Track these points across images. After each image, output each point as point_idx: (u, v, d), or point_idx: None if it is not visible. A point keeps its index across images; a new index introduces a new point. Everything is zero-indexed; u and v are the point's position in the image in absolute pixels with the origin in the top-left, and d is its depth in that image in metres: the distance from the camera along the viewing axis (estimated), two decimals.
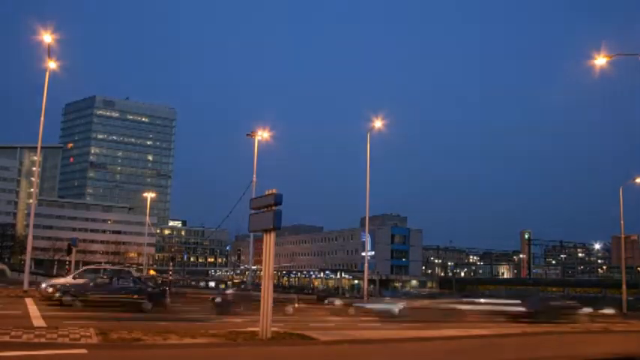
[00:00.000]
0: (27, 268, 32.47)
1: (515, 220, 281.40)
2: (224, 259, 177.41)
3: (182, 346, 11.35)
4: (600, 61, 25.51)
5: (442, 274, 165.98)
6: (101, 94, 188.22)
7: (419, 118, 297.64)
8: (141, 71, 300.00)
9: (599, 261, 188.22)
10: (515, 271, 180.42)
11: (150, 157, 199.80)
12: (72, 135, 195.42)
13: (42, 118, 32.13)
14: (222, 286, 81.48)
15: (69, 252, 42.94)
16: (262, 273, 12.95)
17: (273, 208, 12.49)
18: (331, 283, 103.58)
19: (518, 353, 14.05)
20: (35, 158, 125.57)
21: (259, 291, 22.06)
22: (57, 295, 23.39)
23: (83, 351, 10.04)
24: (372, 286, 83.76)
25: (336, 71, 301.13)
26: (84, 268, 30.60)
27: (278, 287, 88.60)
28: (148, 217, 78.53)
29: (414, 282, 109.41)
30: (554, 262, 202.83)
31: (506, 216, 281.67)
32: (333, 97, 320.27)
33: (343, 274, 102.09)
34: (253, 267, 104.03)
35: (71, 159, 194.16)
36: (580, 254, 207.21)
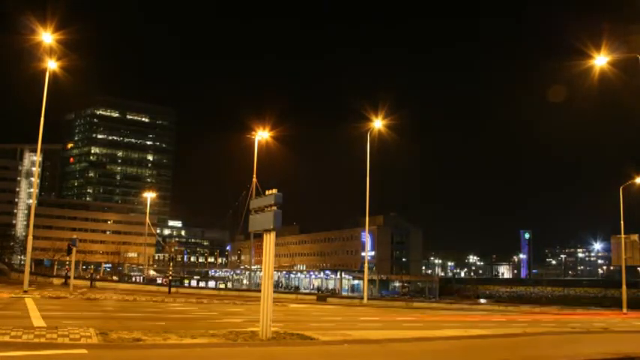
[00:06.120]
0: (27, 269, 32.56)
1: (515, 220, 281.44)
2: (224, 260, 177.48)
3: (182, 346, 11.35)
4: (600, 60, 25.56)
5: (442, 274, 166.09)
6: (101, 94, 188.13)
7: (418, 117, 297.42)
8: (141, 71, 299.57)
9: (600, 261, 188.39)
10: (515, 271, 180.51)
11: (150, 157, 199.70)
12: (72, 135, 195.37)
13: (42, 118, 32.17)
14: (222, 285, 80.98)
15: (69, 252, 42.95)
16: (262, 273, 12.96)
17: (273, 208, 12.50)
18: (331, 283, 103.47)
19: (518, 353, 14.06)
20: (35, 158, 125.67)
21: None
22: None
23: (83, 351, 10.04)
24: (371, 285, 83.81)
25: (337, 68, 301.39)
26: None
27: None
28: (147, 217, 78.56)
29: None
30: (554, 262, 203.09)
31: (506, 216, 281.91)
32: (335, 95, 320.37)
33: (343, 274, 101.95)
34: (254, 267, 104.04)
35: (71, 159, 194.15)
36: (580, 254, 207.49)
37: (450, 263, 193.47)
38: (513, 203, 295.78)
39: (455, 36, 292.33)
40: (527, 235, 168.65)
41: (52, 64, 32.60)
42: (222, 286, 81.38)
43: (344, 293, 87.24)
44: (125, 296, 33.24)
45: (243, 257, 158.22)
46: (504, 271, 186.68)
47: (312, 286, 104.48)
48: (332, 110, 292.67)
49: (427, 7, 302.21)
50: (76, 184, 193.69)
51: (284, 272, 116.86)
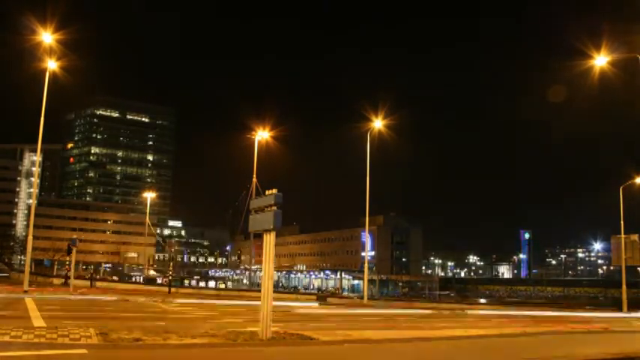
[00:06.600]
0: (27, 269, 32.56)
1: (515, 220, 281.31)
2: (224, 260, 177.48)
3: (182, 346, 11.34)
4: (600, 60, 25.56)
5: (442, 274, 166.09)
6: (101, 94, 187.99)
7: (418, 117, 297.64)
8: (141, 71, 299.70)
9: (600, 261, 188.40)
10: (515, 271, 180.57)
11: (150, 157, 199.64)
12: (72, 135, 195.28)
13: (42, 118, 32.17)
14: (222, 285, 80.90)
15: (69, 252, 42.93)
16: (262, 273, 12.95)
17: (273, 208, 12.49)
18: (331, 283, 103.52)
19: (518, 353, 14.05)
20: (35, 158, 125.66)
21: None
22: None
23: (83, 351, 10.03)
24: (371, 286, 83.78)
25: (337, 68, 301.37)
26: None
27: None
28: (147, 217, 78.54)
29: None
30: (554, 262, 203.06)
31: (506, 216, 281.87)
32: (335, 95, 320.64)
33: (343, 274, 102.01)
34: (254, 267, 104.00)
35: (71, 159, 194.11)
36: (580, 254, 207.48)
37: (450, 263, 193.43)
38: (513, 203, 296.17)
39: (455, 36, 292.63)
40: (527, 235, 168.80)
41: (52, 64, 32.60)
42: (222, 286, 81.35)
43: (344, 293, 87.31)
44: (125, 296, 33.25)
45: (243, 257, 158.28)
46: (504, 271, 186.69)
47: (312, 286, 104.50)
48: (332, 110, 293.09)
49: (427, 7, 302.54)
50: (76, 184, 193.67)
51: (284, 272, 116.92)
